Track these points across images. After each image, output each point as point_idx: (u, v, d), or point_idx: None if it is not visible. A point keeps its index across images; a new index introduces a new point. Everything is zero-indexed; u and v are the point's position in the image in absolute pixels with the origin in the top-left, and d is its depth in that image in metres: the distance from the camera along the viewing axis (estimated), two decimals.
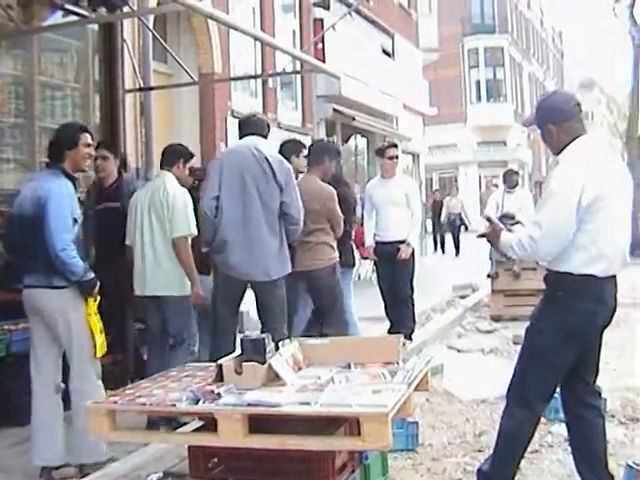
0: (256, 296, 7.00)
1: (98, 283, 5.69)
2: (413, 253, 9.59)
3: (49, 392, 5.69)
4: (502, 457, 4.70)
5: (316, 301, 8.02)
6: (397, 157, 9.88)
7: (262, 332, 6.84)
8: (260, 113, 7.81)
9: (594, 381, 4.83)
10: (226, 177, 6.83)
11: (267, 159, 6.81)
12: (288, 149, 8.08)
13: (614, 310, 4.68)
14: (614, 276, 4.63)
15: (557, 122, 4.63)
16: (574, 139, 4.60)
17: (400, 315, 9.61)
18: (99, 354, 5.67)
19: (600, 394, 4.89)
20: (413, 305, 9.72)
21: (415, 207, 9.72)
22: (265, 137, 7.12)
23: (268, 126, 7.29)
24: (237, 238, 6.80)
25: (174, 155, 7.20)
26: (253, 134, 7.05)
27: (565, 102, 4.73)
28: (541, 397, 4.70)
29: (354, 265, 8.67)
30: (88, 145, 5.84)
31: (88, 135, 5.88)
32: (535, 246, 4.45)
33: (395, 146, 10.36)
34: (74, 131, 5.84)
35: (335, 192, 8.02)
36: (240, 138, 7.19)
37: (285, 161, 7.12)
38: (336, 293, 7.94)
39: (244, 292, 7.06)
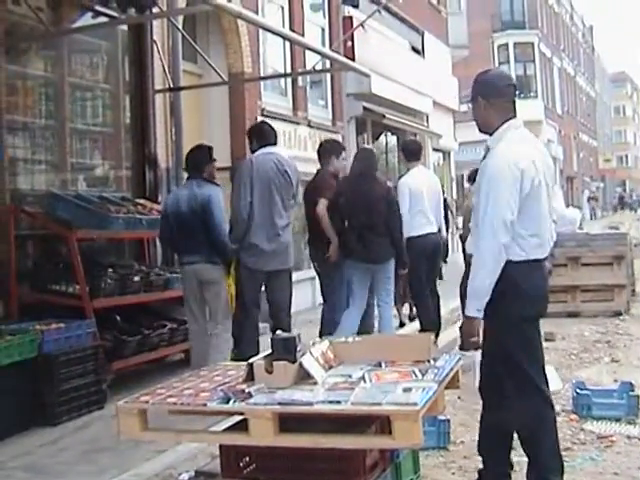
0: (267, 286, 8.07)
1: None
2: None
3: (203, 334, 7.84)
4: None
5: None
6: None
7: (270, 316, 8.09)
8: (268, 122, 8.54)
9: None
10: (257, 186, 7.80)
11: (287, 171, 7.93)
12: (327, 150, 9.04)
13: None
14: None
15: (487, 96, 4.64)
16: (504, 121, 4.61)
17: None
18: (232, 312, 7.98)
19: None
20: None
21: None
22: (276, 144, 8.18)
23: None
24: (265, 240, 7.82)
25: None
26: (270, 144, 8.05)
27: (499, 79, 4.77)
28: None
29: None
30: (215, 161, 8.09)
31: None
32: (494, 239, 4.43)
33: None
34: (209, 150, 8.06)
35: None
36: (259, 146, 8.04)
37: (295, 165, 8.22)
38: None
39: (263, 282, 8.05)
